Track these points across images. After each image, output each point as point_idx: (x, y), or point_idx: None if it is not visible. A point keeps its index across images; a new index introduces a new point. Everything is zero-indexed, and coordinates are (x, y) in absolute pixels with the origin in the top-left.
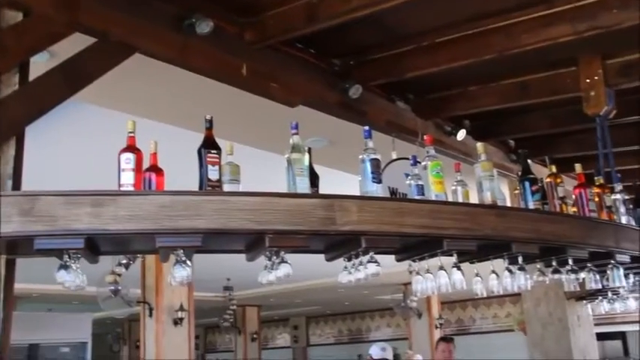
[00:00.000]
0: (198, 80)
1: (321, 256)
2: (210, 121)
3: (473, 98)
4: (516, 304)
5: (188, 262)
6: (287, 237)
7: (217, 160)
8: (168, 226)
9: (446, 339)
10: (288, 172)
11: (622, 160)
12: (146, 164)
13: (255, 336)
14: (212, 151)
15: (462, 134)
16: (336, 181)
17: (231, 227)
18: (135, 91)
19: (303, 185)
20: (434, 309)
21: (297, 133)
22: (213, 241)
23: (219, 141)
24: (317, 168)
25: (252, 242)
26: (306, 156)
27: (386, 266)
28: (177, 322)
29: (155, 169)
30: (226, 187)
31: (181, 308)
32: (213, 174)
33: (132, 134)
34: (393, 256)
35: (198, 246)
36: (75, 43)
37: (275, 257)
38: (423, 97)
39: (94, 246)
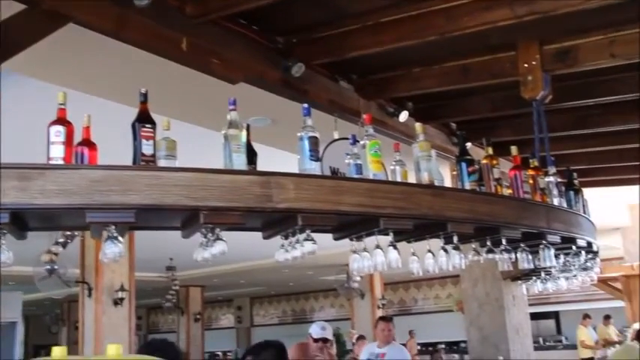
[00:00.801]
0: (135, 54)
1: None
2: (145, 95)
3: (415, 80)
4: (457, 285)
5: (120, 238)
6: (222, 214)
7: (152, 134)
8: (99, 201)
9: (385, 318)
10: (224, 149)
11: (557, 145)
12: (79, 139)
13: (198, 316)
14: (146, 126)
15: (404, 116)
16: (279, 161)
17: (166, 203)
18: (68, 62)
19: (240, 162)
20: (377, 290)
21: (234, 109)
22: (147, 217)
23: (158, 117)
24: (260, 147)
25: (188, 219)
26: (244, 132)
27: (329, 247)
28: (117, 302)
29: (88, 143)
30: (162, 163)
31: (122, 288)
32: (147, 149)
33: (62, 106)
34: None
35: (130, 222)
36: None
37: (211, 234)
38: (366, 78)
39: (20, 221)
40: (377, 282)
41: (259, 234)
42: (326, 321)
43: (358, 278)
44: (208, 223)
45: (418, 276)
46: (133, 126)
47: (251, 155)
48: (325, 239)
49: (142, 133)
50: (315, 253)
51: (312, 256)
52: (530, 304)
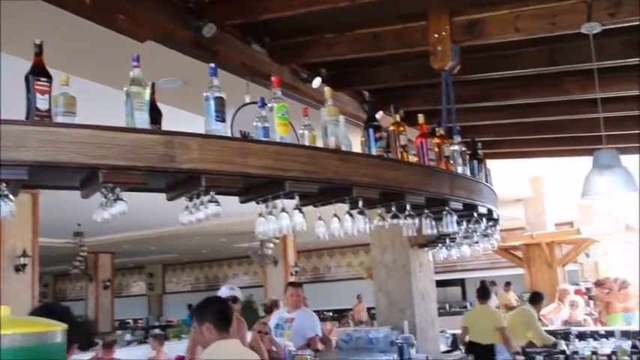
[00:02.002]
0: (36, 4)
1: (177, 202)
2: (40, 46)
3: (328, 46)
4: (369, 253)
5: (11, 196)
6: (122, 173)
7: (47, 88)
8: None
9: (293, 284)
10: (126, 106)
11: (464, 116)
12: None
13: (108, 284)
14: (41, 79)
15: (317, 82)
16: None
17: (62, 161)
18: None
19: (143, 120)
20: (290, 257)
21: (138, 66)
22: (42, 175)
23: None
24: (170, 109)
25: (86, 178)
26: (147, 90)
27: (243, 214)
28: (19, 268)
29: None
30: (60, 120)
31: (24, 254)
32: (42, 103)
33: None
34: (253, 206)
35: (23, 179)
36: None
37: (111, 194)
38: (279, 42)
39: None
40: (290, 249)
41: (171, 200)
42: (240, 287)
43: (271, 245)
44: (108, 183)
45: (331, 244)
46: (27, 78)
47: (155, 115)
48: (239, 206)
49: (36, 87)
50: (219, 215)
51: (225, 223)
52: (438, 272)
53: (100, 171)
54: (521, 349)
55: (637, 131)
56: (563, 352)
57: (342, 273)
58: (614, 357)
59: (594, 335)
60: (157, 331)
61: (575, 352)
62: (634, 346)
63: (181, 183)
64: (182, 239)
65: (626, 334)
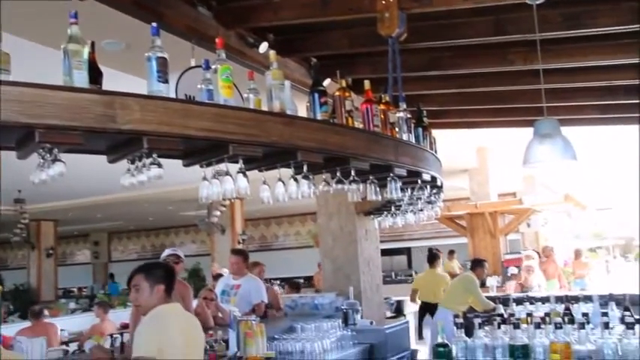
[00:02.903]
0: None
1: (122, 169)
2: None
3: (275, 10)
4: (317, 221)
5: None
6: (60, 133)
7: None
8: None
9: (234, 251)
10: (64, 65)
11: (411, 85)
12: None
13: (51, 252)
14: None
15: (264, 47)
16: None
17: None
18: None
19: (81, 79)
20: (237, 225)
21: (76, 23)
22: None
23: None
24: (114, 73)
25: (22, 137)
26: (86, 49)
27: (190, 182)
28: None
29: None
30: None
31: None
32: None
33: None
34: (200, 173)
35: None
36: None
37: (48, 155)
38: (226, 5)
39: None
40: (238, 217)
41: (115, 166)
42: (186, 256)
43: (218, 213)
44: (45, 143)
45: (279, 212)
46: None
47: (95, 74)
48: (186, 174)
49: None
50: (162, 177)
51: (172, 190)
52: (384, 241)
53: (37, 130)
54: (462, 314)
55: (577, 103)
56: (501, 315)
57: (290, 241)
58: (547, 318)
59: (531, 300)
60: (100, 297)
61: (512, 315)
62: (567, 309)
63: (122, 145)
64: (128, 207)
65: (560, 299)
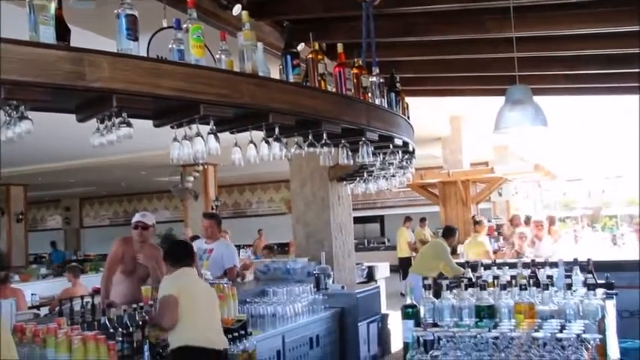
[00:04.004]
0: None
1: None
2: None
3: None
4: (290, 187)
5: None
6: (26, 89)
7: None
8: None
9: (206, 215)
10: (29, 20)
11: (386, 52)
12: None
13: (21, 217)
14: None
15: (237, 9)
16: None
17: None
18: None
19: (48, 35)
20: (211, 191)
21: None
22: None
23: None
24: (84, 33)
25: None
26: (53, 4)
27: (163, 147)
28: None
29: None
30: None
31: None
32: None
33: None
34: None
35: None
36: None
37: (15, 112)
38: None
39: None
40: (211, 183)
41: (87, 130)
42: (160, 222)
43: (192, 179)
44: (11, 99)
45: (253, 179)
46: None
47: (63, 31)
48: (158, 139)
49: None
50: (131, 137)
51: (145, 156)
52: (358, 209)
53: (2, 86)
54: (432, 280)
55: (550, 72)
56: (469, 279)
57: (264, 208)
58: (513, 281)
59: (499, 265)
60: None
61: (479, 277)
62: (532, 272)
63: (92, 103)
64: (100, 172)
65: (527, 265)
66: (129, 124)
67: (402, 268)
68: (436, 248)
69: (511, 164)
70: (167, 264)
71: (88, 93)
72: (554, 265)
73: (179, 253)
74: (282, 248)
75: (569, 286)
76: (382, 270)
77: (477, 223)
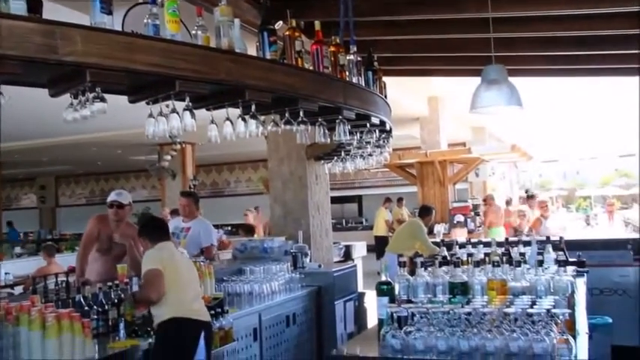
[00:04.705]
0: None
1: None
2: None
3: None
4: (268, 166)
5: None
6: None
7: None
8: None
9: (183, 193)
10: None
11: (364, 31)
12: None
13: None
14: None
15: None
16: None
17: None
18: None
19: (19, 7)
20: (188, 170)
21: None
22: None
23: None
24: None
25: None
26: None
27: (140, 126)
28: None
29: None
30: None
31: None
32: None
33: None
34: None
35: None
36: None
37: None
38: None
39: None
40: (189, 163)
41: (62, 107)
42: (137, 201)
43: (169, 157)
44: None
45: (231, 159)
46: None
47: (35, 4)
48: (134, 117)
49: None
50: (105, 112)
51: (122, 134)
52: (336, 188)
53: None
54: (408, 259)
55: (525, 53)
56: (444, 257)
57: (242, 188)
58: (487, 258)
59: (474, 244)
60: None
61: (454, 254)
62: (506, 250)
63: (65, 77)
64: (76, 150)
65: (501, 244)
66: (103, 99)
67: (377, 247)
68: (412, 227)
69: (488, 145)
70: (146, 240)
71: (61, 67)
72: (527, 244)
73: (158, 229)
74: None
75: (540, 263)
76: (359, 249)
77: (530, 197)
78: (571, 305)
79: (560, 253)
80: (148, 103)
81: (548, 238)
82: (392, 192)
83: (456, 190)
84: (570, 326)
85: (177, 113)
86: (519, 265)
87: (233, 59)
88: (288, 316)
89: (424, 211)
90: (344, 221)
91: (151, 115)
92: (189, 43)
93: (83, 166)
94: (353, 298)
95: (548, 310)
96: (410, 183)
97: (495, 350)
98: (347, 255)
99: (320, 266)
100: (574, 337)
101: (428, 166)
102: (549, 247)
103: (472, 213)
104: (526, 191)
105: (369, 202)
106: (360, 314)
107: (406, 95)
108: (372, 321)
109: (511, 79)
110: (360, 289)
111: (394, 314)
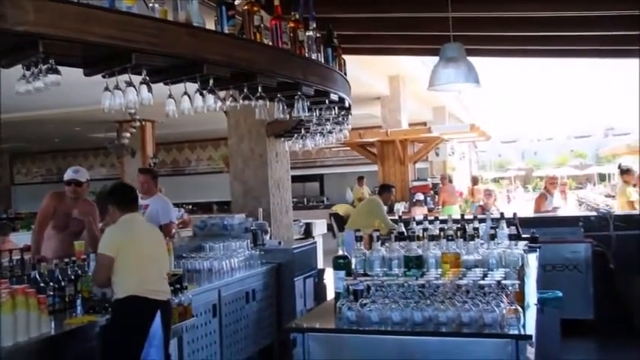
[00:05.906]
0: None
1: None
2: None
3: None
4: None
5: None
6: None
7: None
8: None
9: (141, 170)
10: None
11: (325, 8)
12: None
13: None
14: None
15: None
16: None
17: None
18: None
19: None
20: (148, 148)
21: None
22: None
23: None
24: None
25: None
26: None
27: (98, 102)
28: None
29: None
30: None
31: None
32: None
33: None
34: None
35: None
36: None
37: None
38: None
39: None
40: (149, 140)
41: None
42: (96, 179)
43: (128, 135)
44: None
45: (192, 137)
46: None
47: None
48: (94, 94)
49: None
50: (59, 84)
51: (80, 111)
52: (298, 167)
53: None
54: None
55: (486, 33)
56: (400, 232)
57: (203, 166)
58: (442, 233)
59: (431, 221)
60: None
61: (410, 229)
62: (461, 226)
63: (16, 48)
64: (32, 127)
65: (456, 222)
66: (57, 71)
67: (337, 223)
68: (371, 205)
69: (448, 125)
70: (113, 207)
71: (12, 37)
72: (482, 220)
73: (128, 197)
74: (222, 206)
75: (492, 237)
76: (320, 227)
77: (624, 172)
78: (521, 277)
79: (513, 228)
80: (104, 77)
81: (502, 214)
82: (353, 171)
83: (416, 169)
84: (520, 298)
85: (134, 87)
86: (472, 239)
87: (191, 33)
88: (247, 292)
89: (383, 189)
90: (305, 200)
91: (107, 89)
92: (145, 16)
93: (39, 143)
94: (313, 275)
95: (498, 282)
96: (371, 162)
97: (447, 320)
98: (307, 232)
99: (280, 243)
100: (523, 309)
101: (388, 145)
102: (503, 224)
103: (432, 192)
104: (619, 166)
105: (330, 180)
106: (319, 290)
107: (367, 74)
108: (331, 297)
109: (473, 59)
110: (320, 265)
111: (350, 287)
